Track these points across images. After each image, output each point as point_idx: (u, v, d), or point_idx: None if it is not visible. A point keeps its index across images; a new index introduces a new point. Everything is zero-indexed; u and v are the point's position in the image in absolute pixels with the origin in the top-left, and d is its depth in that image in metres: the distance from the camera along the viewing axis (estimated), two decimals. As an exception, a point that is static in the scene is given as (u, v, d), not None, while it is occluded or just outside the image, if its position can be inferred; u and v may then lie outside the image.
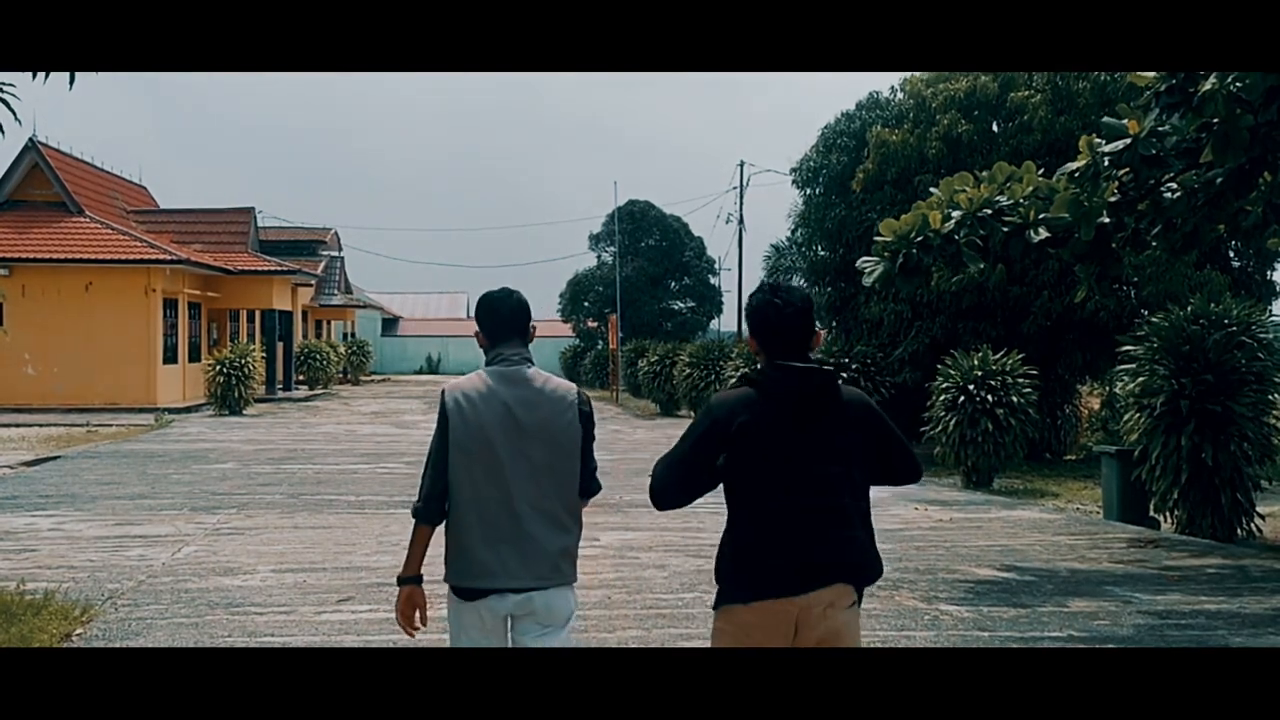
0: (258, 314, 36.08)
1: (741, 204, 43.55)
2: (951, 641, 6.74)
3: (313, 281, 41.47)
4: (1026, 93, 19.39)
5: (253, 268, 33.06)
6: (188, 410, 27.26)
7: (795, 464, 3.27)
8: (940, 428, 15.53)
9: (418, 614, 3.78)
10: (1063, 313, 18.26)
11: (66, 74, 5.33)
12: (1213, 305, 11.64)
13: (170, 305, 28.57)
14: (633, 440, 21.30)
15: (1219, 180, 8.64)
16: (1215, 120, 7.81)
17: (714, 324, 50.43)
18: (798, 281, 29.21)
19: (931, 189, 10.05)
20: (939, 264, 9.56)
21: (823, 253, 22.80)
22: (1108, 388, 20.53)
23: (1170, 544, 10.57)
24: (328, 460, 16.81)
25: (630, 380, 36.93)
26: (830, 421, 3.32)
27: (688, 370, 28.06)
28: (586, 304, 49.63)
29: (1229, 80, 7.51)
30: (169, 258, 27.57)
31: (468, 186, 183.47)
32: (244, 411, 27.00)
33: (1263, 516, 11.42)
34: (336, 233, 50.43)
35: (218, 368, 26.72)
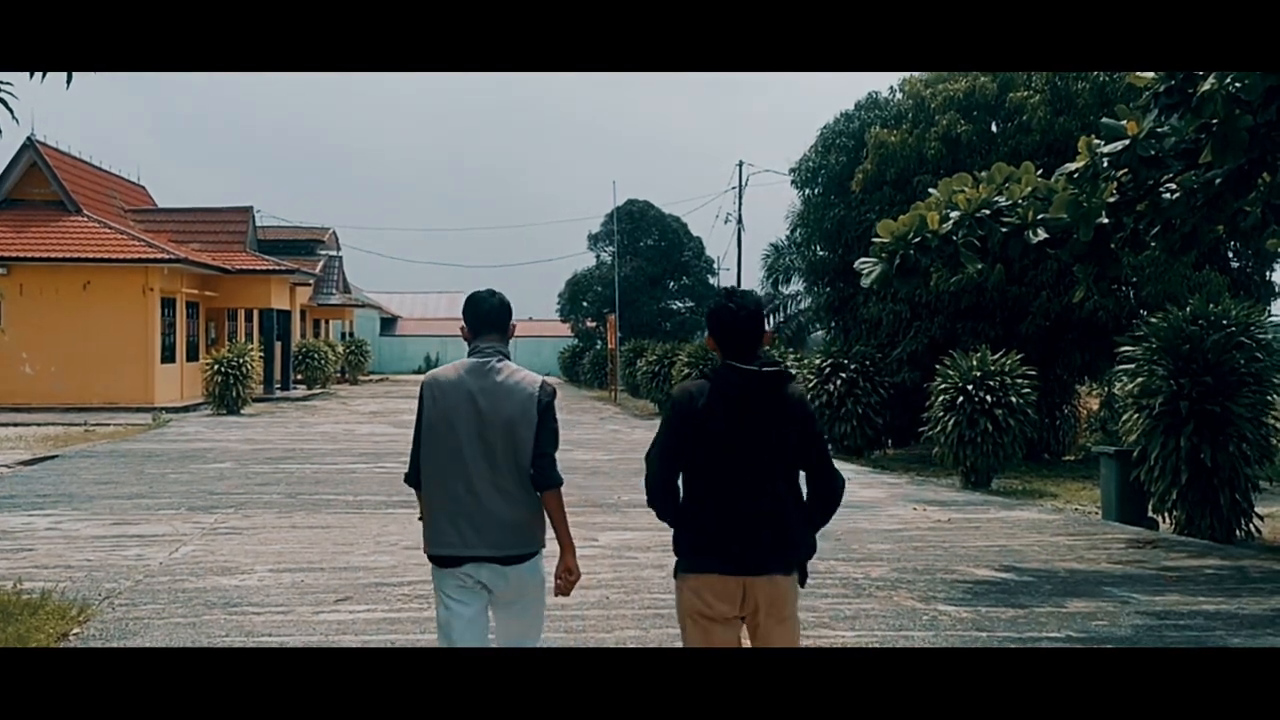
0: (256, 313, 36.06)
1: (740, 204, 43.55)
2: (950, 642, 6.73)
3: (311, 281, 41.45)
4: (1025, 93, 19.40)
5: (251, 267, 33.05)
6: (185, 410, 27.24)
7: (737, 451, 3.72)
8: (939, 428, 15.53)
9: None
10: (1061, 313, 18.27)
11: (63, 74, 5.32)
12: (1211, 306, 11.64)
13: (168, 304, 28.56)
14: (630, 440, 21.29)
15: (1218, 181, 8.64)
16: (1214, 121, 7.81)
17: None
18: (797, 281, 29.33)
19: (930, 189, 10.05)
20: (937, 265, 9.56)
21: (821, 253, 22.80)
22: (1106, 388, 20.57)
23: (1169, 544, 10.57)
24: (326, 460, 16.80)
25: (629, 380, 36.93)
26: (771, 416, 3.75)
27: (686, 370, 28.02)
28: (585, 304, 49.63)
29: (1228, 81, 7.51)
30: (167, 257, 27.56)
31: (466, 186, 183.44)
32: (242, 411, 26.98)
33: (1261, 517, 11.42)
34: (335, 232, 50.42)
35: (215, 367, 26.70)
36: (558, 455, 4.17)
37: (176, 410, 26.61)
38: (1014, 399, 15.15)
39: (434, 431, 4.11)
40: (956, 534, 10.91)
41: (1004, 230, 9.21)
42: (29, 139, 28.39)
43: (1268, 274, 19.86)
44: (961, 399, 15.22)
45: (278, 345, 35.43)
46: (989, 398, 15.09)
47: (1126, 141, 8.41)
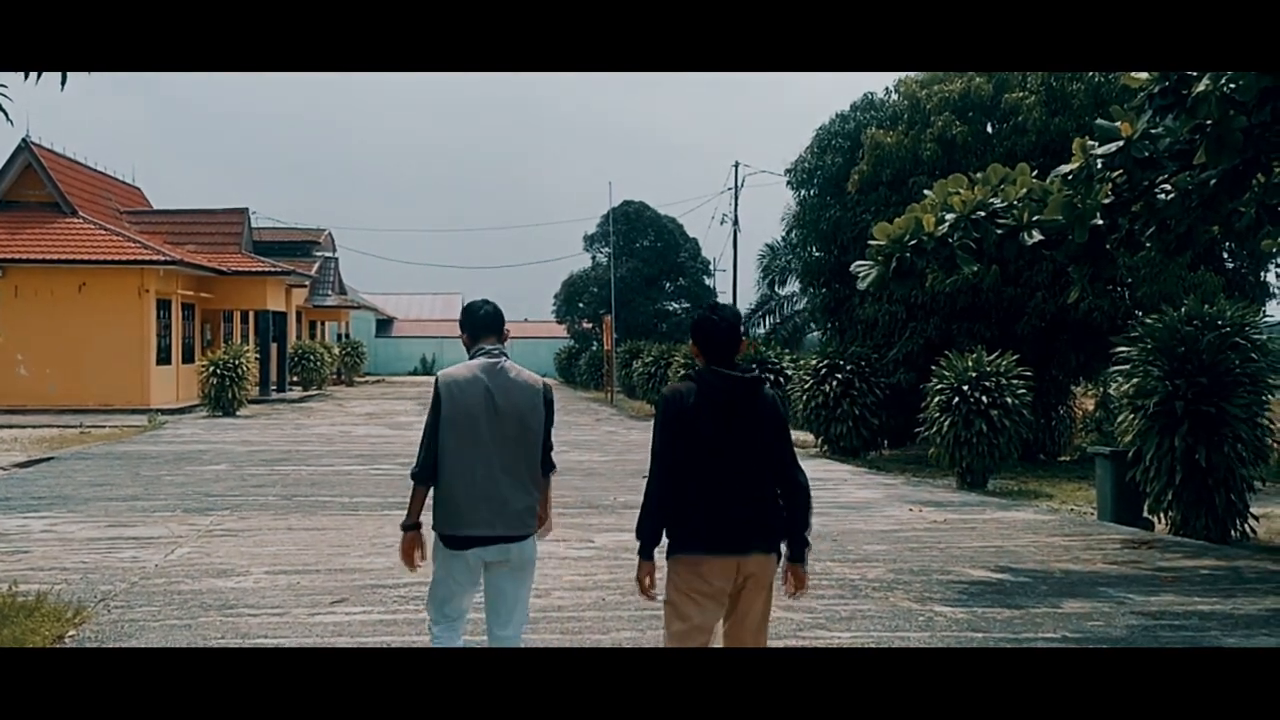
0: (251, 315, 36.02)
1: (736, 205, 43.61)
2: (945, 642, 6.74)
3: (307, 282, 41.41)
4: (1021, 94, 19.42)
5: (246, 268, 33.01)
6: (181, 411, 27.21)
7: (725, 449, 4.18)
8: (935, 429, 15.54)
9: (417, 553, 4.70)
10: (1057, 314, 18.29)
11: (58, 74, 5.31)
12: (1207, 306, 11.66)
13: (164, 306, 28.51)
14: (627, 441, 21.29)
15: (1212, 182, 8.65)
16: (1209, 122, 7.82)
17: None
18: (793, 282, 29.36)
19: (926, 191, 10.06)
20: (933, 266, 9.57)
21: (817, 254, 22.81)
22: (1102, 389, 20.61)
23: (1164, 545, 10.59)
24: (321, 462, 16.78)
25: (625, 381, 36.92)
26: (750, 416, 4.24)
27: (682, 371, 28.05)
28: (581, 305, 49.61)
29: (1222, 81, 7.52)
30: (162, 258, 27.52)
31: (462, 187, 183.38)
32: (237, 413, 26.95)
33: (1256, 517, 11.44)
34: (330, 233, 50.40)
35: (211, 369, 26.66)
36: (552, 454, 4.80)
37: (172, 412, 26.57)
38: (1009, 400, 15.17)
39: (455, 425, 4.51)
40: (952, 535, 10.92)
41: (999, 231, 9.22)
42: (24, 140, 28.35)
43: (1262, 274, 19.91)
44: (957, 400, 15.24)
45: (273, 347, 35.39)
46: (984, 398, 15.11)
47: (1121, 143, 8.42)
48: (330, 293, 48.32)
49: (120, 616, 7.12)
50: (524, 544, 4.59)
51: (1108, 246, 9.49)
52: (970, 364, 15.45)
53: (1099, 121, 8.81)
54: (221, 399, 26.58)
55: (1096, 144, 8.64)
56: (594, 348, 47.00)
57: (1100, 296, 17.38)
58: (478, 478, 4.47)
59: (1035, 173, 9.58)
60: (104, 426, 22.51)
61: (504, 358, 4.64)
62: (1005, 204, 9.30)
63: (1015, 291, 18.52)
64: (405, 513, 4.70)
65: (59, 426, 22.38)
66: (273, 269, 33.76)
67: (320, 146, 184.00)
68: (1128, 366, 11.87)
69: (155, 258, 27.37)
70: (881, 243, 9.55)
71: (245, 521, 10.99)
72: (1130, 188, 8.93)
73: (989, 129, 20.18)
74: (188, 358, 30.35)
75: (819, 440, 20.41)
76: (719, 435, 4.17)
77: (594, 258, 50.29)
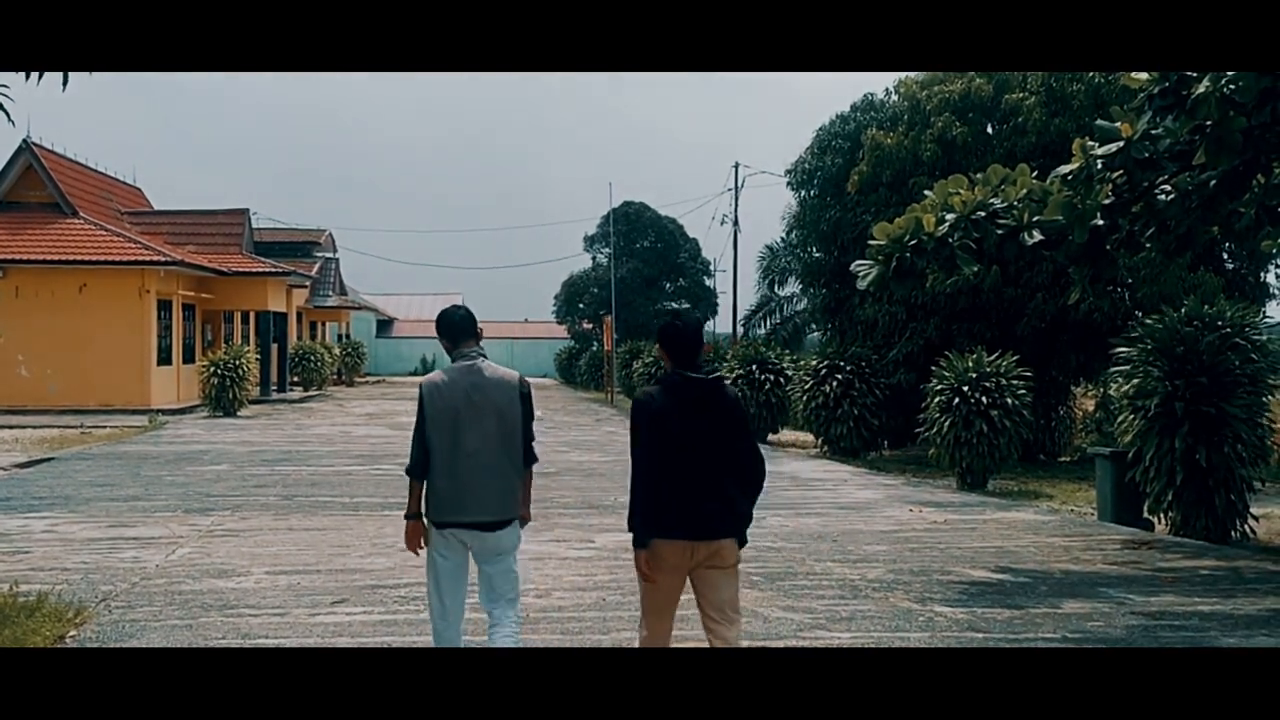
0: (252, 315, 36.02)
1: (736, 206, 43.67)
2: (945, 643, 6.74)
3: (307, 283, 41.40)
4: (1021, 95, 19.43)
5: (247, 269, 33.00)
6: (182, 412, 27.21)
7: (687, 444, 4.61)
8: (935, 429, 15.54)
9: (420, 539, 5.12)
10: (1057, 314, 18.29)
11: (59, 74, 5.31)
12: (1206, 307, 11.66)
13: (164, 306, 28.51)
14: (627, 442, 21.23)
15: (1212, 182, 8.66)
16: (1209, 122, 7.83)
17: (709, 326, 50.44)
18: (793, 283, 29.35)
19: (926, 191, 10.06)
20: (933, 267, 9.57)
21: (817, 254, 22.82)
22: (1102, 389, 20.60)
23: (1164, 545, 10.59)
24: (322, 462, 16.78)
25: (625, 382, 36.91)
26: (713, 414, 4.68)
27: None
28: (581, 305, 49.61)
29: (1222, 82, 7.53)
30: (163, 259, 27.52)
31: (463, 187, 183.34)
32: (238, 413, 26.94)
33: (1256, 518, 11.44)
34: (331, 234, 50.39)
35: (212, 369, 26.65)
36: (538, 452, 5.23)
37: (173, 412, 26.57)
38: (1010, 400, 15.17)
39: (438, 425, 4.97)
40: (952, 535, 10.93)
41: (1000, 232, 9.22)
42: (25, 141, 28.34)
43: (1262, 275, 19.92)
44: (957, 400, 15.24)
45: (274, 347, 35.39)
46: (985, 399, 15.11)
47: (1121, 143, 8.42)
48: (331, 293, 48.32)
49: (121, 617, 7.12)
50: (502, 533, 5.00)
51: (1108, 247, 9.49)
52: (970, 364, 15.45)
53: (1099, 122, 8.81)
54: (222, 399, 26.58)
55: (1096, 145, 8.64)
56: (594, 348, 46.99)
57: (1100, 297, 17.37)
58: (460, 470, 4.92)
59: (1035, 173, 9.58)
60: (104, 427, 22.51)
61: (480, 358, 5.05)
62: (1005, 204, 9.30)
63: (1015, 292, 18.52)
64: (406, 506, 5.18)
65: (59, 427, 22.39)
66: (273, 269, 33.75)
67: (320, 146, 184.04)
68: (1128, 367, 11.87)
69: (156, 258, 27.37)
70: (881, 242, 9.55)
71: (246, 522, 11.00)
72: (1130, 188, 8.93)
73: (989, 130, 20.19)
74: (188, 358, 30.35)
75: (819, 441, 20.42)
76: (686, 432, 4.62)
77: (594, 258, 50.33)
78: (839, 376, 19.48)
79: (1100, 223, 9.00)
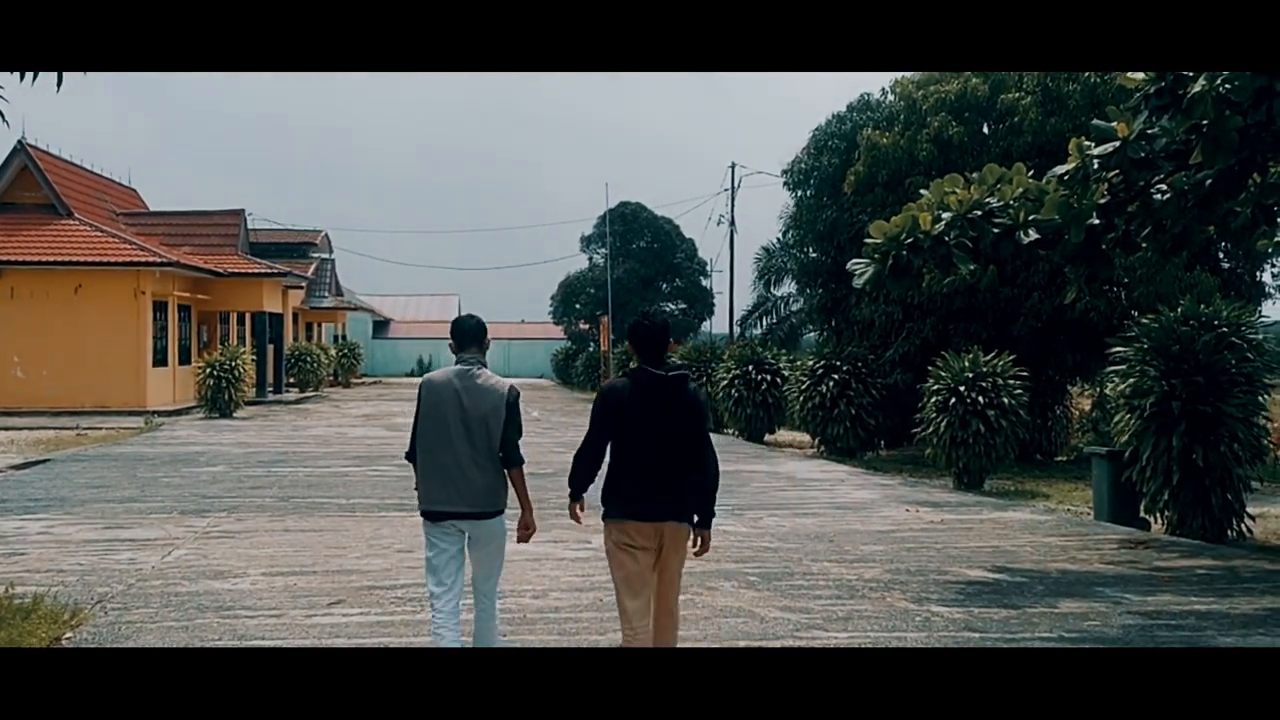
0: (248, 316, 35.96)
1: (733, 206, 43.67)
2: (943, 642, 6.74)
3: (303, 284, 41.36)
4: (1017, 95, 19.45)
5: (243, 270, 32.96)
6: (177, 413, 27.16)
7: (652, 435, 5.05)
8: (931, 429, 15.55)
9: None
10: (1053, 314, 18.31)
11: (53, 75, 5.30)
12: (1203, 306, 11.67)
13: (160, 308, 28.47)
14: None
15: (1208, 182, 8.66)
16: (1204, 122, 7.84)
17: (706, 326, 50.48)
18: (789, 283, 29.37)
19: (922, 191, 10.06)
20: (929, 266, 9.56)
21: (814, 254, 22.83)
22: (1098, 389, 20.61)
23: (1161, 545, 10.60)
24: (318, 463, 16.76)
25: (622, 382, 36.81)
26: (677, 408, 5.10)
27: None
28: (578, 306, 49.58)
29: (1218, 82, 7.53)
30: (158, 260, 27.47)
31: (460, 188, 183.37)
32: (234, 414, 26.91)
33: (1253, 517, 11.45)
34: (327, 235, 50.35)
35: (208, 370, 26.61)
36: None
37: (168, 414, 26.53)
38: (1006, 400, 15.18)
39: (428, 420, 5.44)
40: (949, 535, 10.93)
41: (996, 231, 9.22)
42: (20, 142, 28.29)
43: (1258, 274, 19.95)
44: (954, 400, 15.25)
45: (270, 348, 35.33)
46: (981, 399, 15.11)
47: (1117, 143, 8.43)
48: (327, 294, 48.27)
49: (117, 618, 7.10)
50: (486, 522, 5.43)
51: (1104, 246, 9.50)
52: (967, 364, 15.45)
53: (1095, 122, 8.82)
54: (218, 400, 26.54)
55: (1093, 144, 8.65)
56: (591, 349, 46.97)
57: (1097, 297, 17.41)
58: (446, 464, 5.36)
59: (1031, 173, 9.58)
60: (100, 428, 22.47)
61: (477, 365, 5.49)
62: (1001, 204, 9.30)
63: (1012, 292, 18.54)
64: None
65: (55, 428, 22.35)
66: (269, 270, 33.71)
67: (317, 147, 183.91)
68: (1124, 366, 11.88)
69: (151, 259, 27.33)
70: (878, 241, 9.54)
71: (242, 523, 10.98)
72: (1126, 188, 8.94)
73: (985, 129, 20.21)
74: (184, 359, 30.30)
75: (816, 441, 20.42)
76: (649, 422, 5.05)
77: (591, 259, 50.30)
78: (835, 376, 19.48)
79: (1096, 222, 9.01)
